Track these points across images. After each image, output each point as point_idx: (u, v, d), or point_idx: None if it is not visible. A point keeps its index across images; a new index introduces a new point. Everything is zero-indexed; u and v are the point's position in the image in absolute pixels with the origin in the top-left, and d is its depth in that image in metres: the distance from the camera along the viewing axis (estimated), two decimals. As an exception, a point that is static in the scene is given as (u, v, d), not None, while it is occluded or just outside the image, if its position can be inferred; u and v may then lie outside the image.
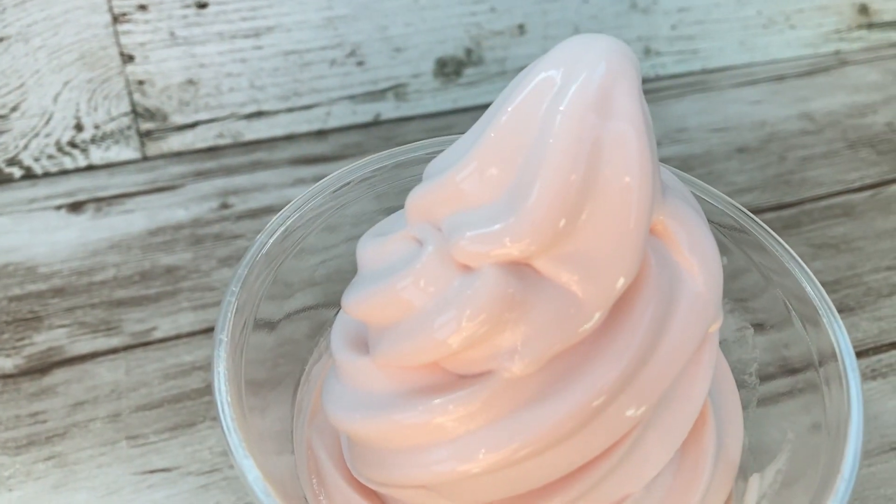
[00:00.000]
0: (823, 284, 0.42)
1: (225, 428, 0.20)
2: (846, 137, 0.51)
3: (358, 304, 0.20)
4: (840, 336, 0.23)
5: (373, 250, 0.21)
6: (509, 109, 0.18)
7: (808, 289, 0.24)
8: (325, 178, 0.26)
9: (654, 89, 0.53)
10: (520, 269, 0.18)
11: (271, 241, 0.24)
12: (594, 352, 0.18)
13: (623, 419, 0.19)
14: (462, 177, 0.19)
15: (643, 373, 0.18)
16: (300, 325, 0.27)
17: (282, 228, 0.24)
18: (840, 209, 0.46)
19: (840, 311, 0.41)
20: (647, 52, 0.53)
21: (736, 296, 0.26)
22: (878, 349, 0.39)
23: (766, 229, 0.26)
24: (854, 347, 0.38)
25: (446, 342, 0.18)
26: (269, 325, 0.24)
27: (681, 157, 0.49)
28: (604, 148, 0.18)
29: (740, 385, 0.24)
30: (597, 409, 0.18)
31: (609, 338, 0.19)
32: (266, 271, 0.24)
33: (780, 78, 0.54)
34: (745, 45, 0.54)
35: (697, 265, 0.20)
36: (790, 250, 0.25)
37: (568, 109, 0.18)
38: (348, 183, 0.26)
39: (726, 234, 0.26)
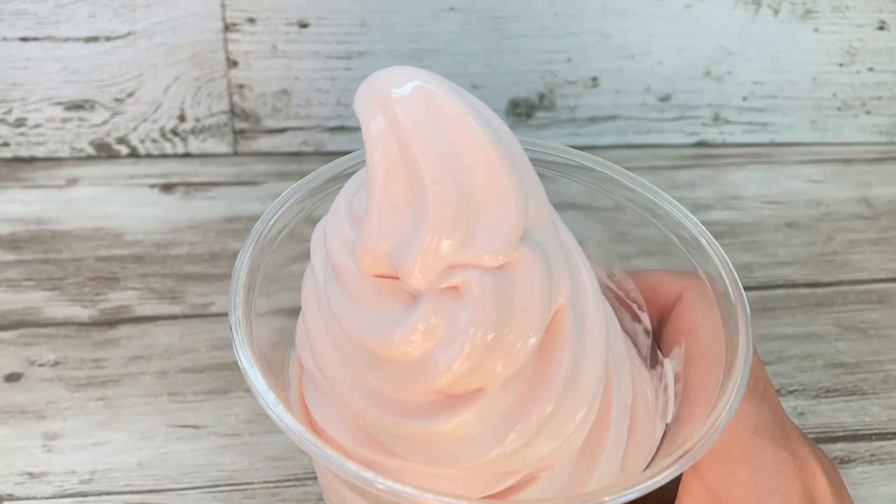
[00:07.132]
0: (842, 365, 0.43)
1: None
2: (901, 227, 0.51)
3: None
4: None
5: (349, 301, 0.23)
6: (373, 167, 0.21)
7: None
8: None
9: (719, 155, 0.55)
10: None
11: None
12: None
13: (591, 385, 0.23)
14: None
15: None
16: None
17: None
18: (877, 296, 0.47)
19: (853, 393, 0.42)
20: (717, 118, 0.55)
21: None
22: (882, 436, 0.40)
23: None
24: (857, 430, 0.40)
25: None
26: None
27: (728, 223, 0.50)
28: (455, 142, 0.21)
29: None
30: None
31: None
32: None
33: (847, 161, 0.55)
34: (816, 124, 0.56)
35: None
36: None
37: (412, 134, 0.21)
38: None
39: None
